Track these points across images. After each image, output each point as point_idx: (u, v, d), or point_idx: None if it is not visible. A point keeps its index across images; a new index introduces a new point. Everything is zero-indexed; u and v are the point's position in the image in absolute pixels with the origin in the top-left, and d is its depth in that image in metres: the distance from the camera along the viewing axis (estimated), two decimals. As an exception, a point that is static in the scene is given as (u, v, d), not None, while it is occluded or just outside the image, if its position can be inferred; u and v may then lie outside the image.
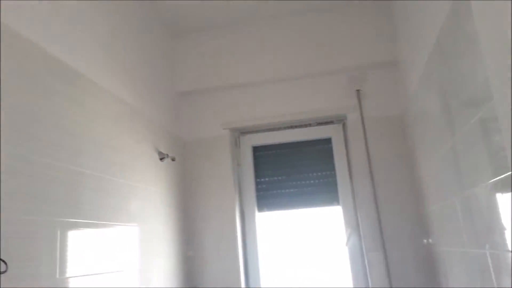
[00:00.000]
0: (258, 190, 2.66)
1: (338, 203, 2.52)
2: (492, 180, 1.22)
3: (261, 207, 2.64)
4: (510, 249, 1.16)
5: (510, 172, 1.08)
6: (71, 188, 1.51)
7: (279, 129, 2.71)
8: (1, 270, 1.13)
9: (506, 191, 1.13)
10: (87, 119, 1.66)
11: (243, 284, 2.47)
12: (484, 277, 1.39)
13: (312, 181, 2.60)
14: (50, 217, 1.38)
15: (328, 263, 2.48)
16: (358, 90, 2.52)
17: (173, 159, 2.33)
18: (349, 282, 2.40)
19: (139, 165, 2.04)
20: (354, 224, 2.46)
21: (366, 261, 2.34)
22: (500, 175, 1.15)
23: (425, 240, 2.26)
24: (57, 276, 1.37)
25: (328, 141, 2.63)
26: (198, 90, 2.73)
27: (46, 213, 1.36)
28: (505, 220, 1.16)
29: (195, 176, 2.65)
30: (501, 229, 1.20)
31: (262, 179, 2.68)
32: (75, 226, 1.50)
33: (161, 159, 2.26)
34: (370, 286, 2.28)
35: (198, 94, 2.76)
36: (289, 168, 2.64)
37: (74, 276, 1.45)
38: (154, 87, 2.36)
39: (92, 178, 1.64)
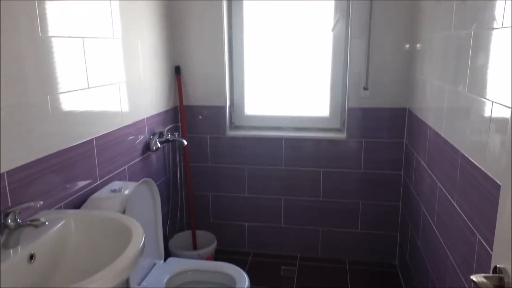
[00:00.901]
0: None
1: (332, -14, 2.37)
2: None
3: (250, -10, 2.46)
4: (494, 27, 1.17)
5: None
6: None
7: None
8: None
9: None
10: None
11: (227, 70, 2.53)
12: (461, 56, 1.45)
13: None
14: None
15: (312, 48, 2.51)
16: None
17: None
18: (329, 66, 2.49)
19: None
20: (344, 10, 2.38)
21: (349, 47, 2.37)
22: None
23: (410, 35, 2.25)
24: (40, 34, 1.35)
25: None
26: None
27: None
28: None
29: None
30: (492, 6, 1.17)
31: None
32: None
33: None
34: (348, 71, 2.39)
35: None
36: None
37: (58, 36, 1.43)
38: None
39: None
